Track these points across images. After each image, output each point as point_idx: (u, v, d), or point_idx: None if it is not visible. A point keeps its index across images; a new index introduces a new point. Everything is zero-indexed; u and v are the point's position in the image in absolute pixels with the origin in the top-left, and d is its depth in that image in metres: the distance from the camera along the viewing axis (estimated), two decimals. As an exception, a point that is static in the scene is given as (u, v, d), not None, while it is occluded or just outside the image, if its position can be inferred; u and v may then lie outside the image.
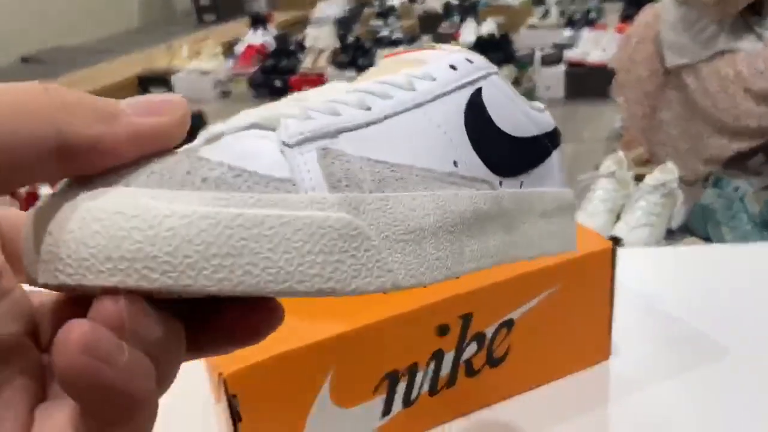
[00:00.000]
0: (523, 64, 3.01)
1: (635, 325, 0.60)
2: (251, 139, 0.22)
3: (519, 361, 0.52)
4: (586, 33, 3.22)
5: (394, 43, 3.50)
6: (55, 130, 0.17)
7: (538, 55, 3.10)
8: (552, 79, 3.00)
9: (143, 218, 0.17)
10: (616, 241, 1.27)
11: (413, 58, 0.29)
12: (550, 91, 3.00)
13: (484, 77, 0.29)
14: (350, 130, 0.23)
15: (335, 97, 0.24)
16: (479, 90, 0.28)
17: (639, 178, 1.59)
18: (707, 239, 1.39)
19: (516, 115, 0.30)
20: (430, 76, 0.27)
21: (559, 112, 2.86)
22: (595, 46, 3.00)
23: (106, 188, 0.18)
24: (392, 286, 0.21)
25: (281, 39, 3.83)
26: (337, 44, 3.57)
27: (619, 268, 0.53)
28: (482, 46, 3.19)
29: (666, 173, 1.45)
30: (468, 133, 0.27)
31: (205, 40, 3.88)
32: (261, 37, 3.84)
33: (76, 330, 0.17)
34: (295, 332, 0.41)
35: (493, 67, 0.30)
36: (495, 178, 0.28)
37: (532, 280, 0.50)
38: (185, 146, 0.21)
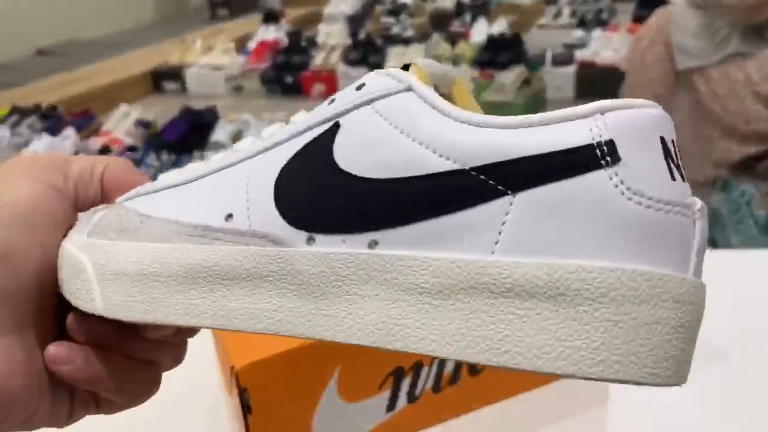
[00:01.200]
0: (533, 64, 3.01)
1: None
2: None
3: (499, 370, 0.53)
4: (598, 33, 3.21)
5: (405, 41, 3.51)
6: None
7: (548, 55, 3.10)
8: (562, 79, 3.00)
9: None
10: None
11: None
12: (561, 91, 3.00)
13: (355, 107, 0.23)
14: (155, 191, 0.28)
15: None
16: (334, 128, 0.24)
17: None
18: (713, 242, 1.40)
19: (402, 147, 0.22)
20: (291, 121, 0.25)
21: (569, 113, 2.86)
22: (606, 47, 3.00)
23: None
24: (91, 310, 0.26)
25: (293, 35, 3.84)
26: (349, 41, 3.58)
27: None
28: (493, 45, 3.20)
29: (674, 176, 1.46)
30: (275, 185, 0.24)
31: (217, 35, 3.90)
32: (273, 33, 3.86)
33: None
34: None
35: (391, 88, 0.23)
36: (299, 234, 0.23)
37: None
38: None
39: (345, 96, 0.24)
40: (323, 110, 0.24)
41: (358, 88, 0.24)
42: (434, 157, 0.21)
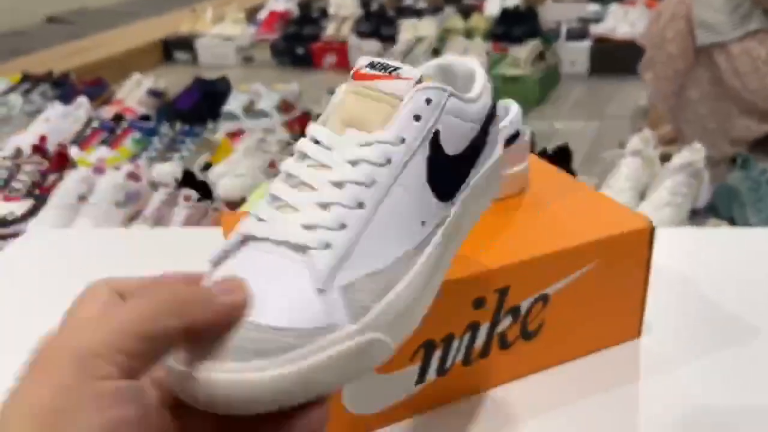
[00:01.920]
0: (547, 38, 2.96)
1: (667, 304, 0.61)
2: (288, 276, 0.28)
3: (552, 336, 0.53)
4: (614, 7, 3.16)
5: (418, 13, 3.46)
6: (183, 323, 0.25)
7: (563, 29, 3.05)
8: (577, 54, 2.96)
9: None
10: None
11: (381, 93, 0.31)
12: (575, 66, 2.96)
13: (440, 115, 0.32)
14: (353, 245, 0.29)
15: (324, 197, 0.29)
16: (437, 133, 0.32)
17: (664, 158, 1.58)
18: (731, 220, 1.39)
19: (462, 130, 0.35)
20: (400, 137, 0.31)
21: (583, 88, 2.83)
22: (622, 21, 2.95)
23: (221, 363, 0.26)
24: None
25: (304, 5, 3.79)
26: (360, 12, 3.53)
27: (654, 247, 0.54)
28: (507, 18, 3.15)
29: (694, 153, 1.44)
30: (430, 184, 0.32)
31: (228, 4, 3.86)
32: (283, 3, 3.81)
33: None
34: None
35: (445, 92, 0.33)
36: (448, 207, 0.34)
37: (570, 257, 0.51)
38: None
39: (426, 112, 0.32)
40: (421, 126, 0.32)
41: (427, 101, 0.32)
42: (471, 125, 0.35)
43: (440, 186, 0.33)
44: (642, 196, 1.47)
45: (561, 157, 1.65)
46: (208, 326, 0.26)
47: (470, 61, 0.39)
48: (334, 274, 0.28)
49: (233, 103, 2.26)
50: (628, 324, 0.57)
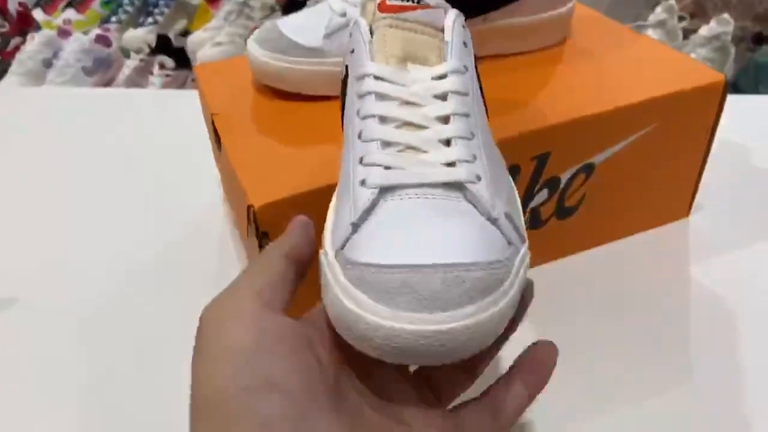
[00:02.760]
0: None
1: (721, 180, 0.52)
2: (457, 215, 0.25)
3: (591, 213, 0.45)
4: None
5: None
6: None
7: None
8: None
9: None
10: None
11: (419, 25, 0.29)
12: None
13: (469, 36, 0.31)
14: (487, 172, 0.27)
15: (443, 133, 0.27)
16: (475, 57, 0.31)
17: (686, 32, 1.45)
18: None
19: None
20: (463, 65, 0.29)
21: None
22: None
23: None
24: None
25: None
26: None
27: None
28: None
29: (722, 24, 1.31)
30: (484, 105, 0.31)
31: None
32: None
33: None
34: (334, 165, 0.33)
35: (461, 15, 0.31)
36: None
37: (625, 118, 0.41)
38: None
39: (466, 35, 0.31)
40: (469, 51, 0.31)
41: (463, 27, 0.31)
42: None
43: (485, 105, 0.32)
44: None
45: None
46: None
47: None
48: (494, 202, 0.26)
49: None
50: (678, 201, 0.48)
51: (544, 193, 0.42)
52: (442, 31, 0.30)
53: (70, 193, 0.57)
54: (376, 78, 0.28)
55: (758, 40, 1.54)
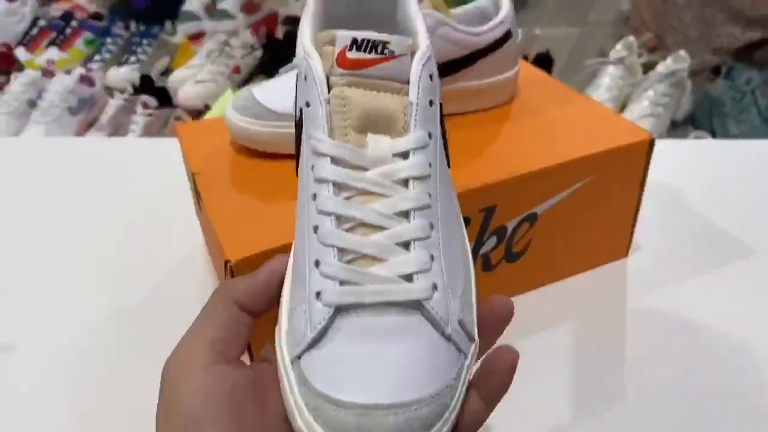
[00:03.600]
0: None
1: (656, 221, 0.57)
2: (411, 338, 0.25)
3: (537, 257, 0.50)
4: None
5: None
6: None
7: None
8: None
9: None
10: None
11: (383, 81, 0.27)
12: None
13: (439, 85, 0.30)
14: (444, 271, 0.27)
15: (399, 234, 0.26)
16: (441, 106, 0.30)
17: (647, 68, 1.52)
18: (712, 133, 1.36)
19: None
20: (428, 133, 0.27)
21: (564, -8, 2.71)
22: None
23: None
24: None
25: None
26: None
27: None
28: None
29: (678, 61, 1.39)
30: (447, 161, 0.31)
31: None
32: None
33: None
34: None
35: (431, 55, 0.29)
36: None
37: (563, 173, 0.47)
38: None
39: (432, 87, 0.29)
40: (434, 110, 0.29)
41: (431, 77, 0.28)
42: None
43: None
44: (623, 107, 1.42)
45: (542, 65, 1.58)
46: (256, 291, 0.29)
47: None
48: (448, 312, 0.26)
49: (193, 2, 2.10)
50: (616, 243, 0.54)
51: (493, 240, 0.47)
52: (408, 82, 0.27)
53: (52, 240, 0.61)
54: (334, 161, 0.27)
55: (717, 72, 1.62)
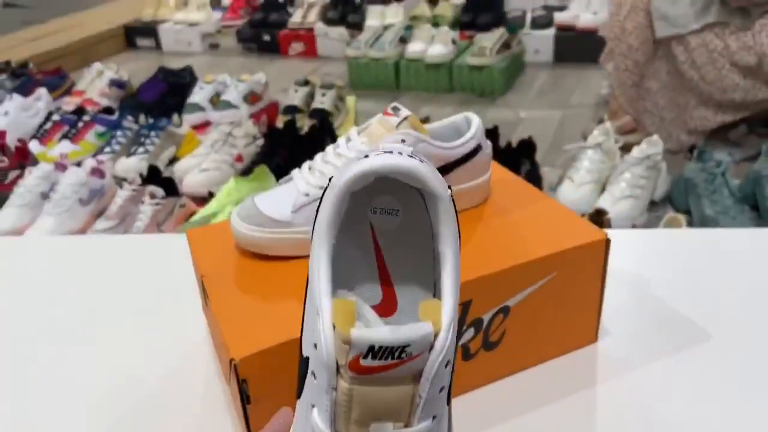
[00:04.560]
0: (513, 26, 2.98)
1: (623, 307, 0.63)
2: None
3: (512, 345, 0.55)
4: (578, -6, 3.19)
5: (385, 0, 3.44)
6: None
7: (528, 17, 3.08)
8: (541, 42, 2.99)
9: None
10: (602, 213, 1.31)
11: (394, 378, 0.25)
12: (539, 54, 2.99)
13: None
14: None
15: None
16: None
17: (625, 149, 1.62)
18: (687, 212, 1.43)
19: None
20: (431, 415, 0.26)
21: (548, 77, 2.86)
22: (585, 9, 2.99)
23: None
24: None
25: (269, -9, 3.74)
26: (327, -2, 3.51)
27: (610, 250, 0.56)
28: (473, 5, 3.16)
29: (652, 146, 1.48)
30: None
31: (191, -11, 3.78)
32: (248, -12, 3.76)
33: None
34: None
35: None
36: None
37: (529, 270, 0.53)
38: None
39: (445, 373, 0.27)
40: (444, 395, 0.27)
41: (446, 363, 0.26)
42: None
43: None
44: (603, 188, 1.50)
45: (525, 150, 1.67)
46: None
47: None
48: None
49: (199, 95, 2.24)
50: (585, 330, 0.59)
51: (471, 331, 0.53)
52: (421, 374, 0.25)
53: (60, 333, 0.66)
54: None
55: (693, 151, 1.71)
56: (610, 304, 0.59)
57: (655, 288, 0.67)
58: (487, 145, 0.61)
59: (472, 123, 0.59)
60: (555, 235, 0.55)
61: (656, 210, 1.47)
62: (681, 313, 0.63)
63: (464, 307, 0.52)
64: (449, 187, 0.29)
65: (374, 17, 3.19)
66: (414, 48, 2.77)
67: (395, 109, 0.57)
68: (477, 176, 0.60)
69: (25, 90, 2.25)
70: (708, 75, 1.84)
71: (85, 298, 0.71)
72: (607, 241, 0.55)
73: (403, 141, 0.55)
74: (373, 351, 0.24)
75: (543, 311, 0.55)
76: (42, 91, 2.17)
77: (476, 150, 0.59)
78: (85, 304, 0.70)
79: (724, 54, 1.80)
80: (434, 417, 0.26)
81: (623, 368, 0.57)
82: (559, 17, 3.02)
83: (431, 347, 0.25)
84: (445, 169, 0.58)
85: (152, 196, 1.48)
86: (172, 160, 1.86)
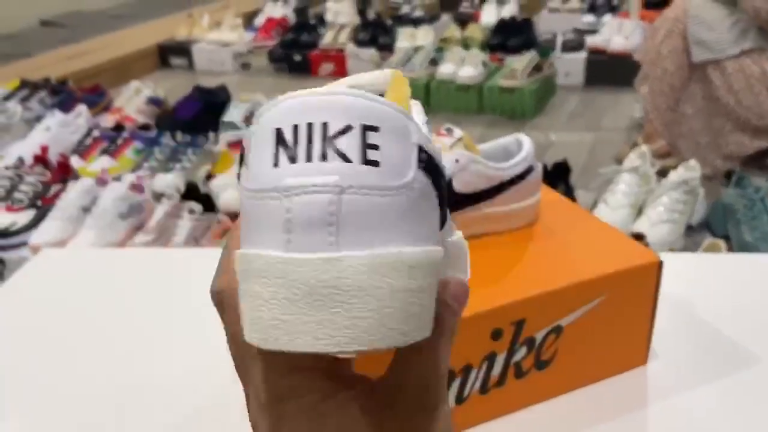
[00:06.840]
0: (544, 49, 3.00)
1: (673, 330, 0.63)
2: None
3: (564, 365, 0.55)
4: (609, 19, 3.20)
5: (415, 21, 3.48)
6: None
7: (559, 40, 3.09)
8: (572, 65, 2.99)
9: None
10: (640, 237, 1.30)
11: None
12: (570, 77, 3.00)
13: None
14: None
15: None
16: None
17: (661, 173, 1.61)
18: (726, 237, 1.42)
19: None
20: None
21: (578, 100, 2.86)
22: (617, 33, 2.99)
23: None
24: None
25: (301, 12, 3.81)
26: (357, 19, 3.55)
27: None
28: (503, 29, 3.18)
29: (689, 170, 1.47)
30: None
31: (225, 9, 3.87)
32: (281, 10, 3.83)
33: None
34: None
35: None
36: None
37: (582, 290, 0.53)
38: None
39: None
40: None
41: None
42: None
43: None
44: (639, 211, 1.50)
45: (559, 173, 1.67)
46: None
47: None
48: None
49: (233, 113, 2.28)
50: (635, 352, 0.59)
51: (523, 350, 0.53)
52: None
53: (99, 343, 0.67)
54: None
55: (730, 177, 1.70)
56: (660, 328, 0.59)
57: (702, 311, 0.67)
58: (538, 167, 0.61)
59: (524, 144, 0.60)
60: (608, 256, 0.56)
61: (693, 235, 1.46)
62: (729, 338, 0.63)
63: (517, 326, 0.52)
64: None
65: (404, 39, 3.22)
66: (445, 69, 2.80)
67: (449, 129, 0.58)
68: (528, 196, 0.61)
69: (65, 106, 2.31)
70: (745, 100, 1.83)
71: (125, 309, 0.72)
72: (660, 264, 0.55)
73: (457, 161, 0.56)
74: None
75: (595, 331, 0.55)
76: (82, 108, 2.23)
77: (528, 171, 0.60)
78: (125, 315, 0.71)
79: (761, 79, 1.79)
80: None
81: (672, 391, 0.57)
82: (591, 40, 3.03)
83: None
84: (497, 189, 0.59)
85: (191, 211, 1.51)
86: (208, 177, 1.89)
